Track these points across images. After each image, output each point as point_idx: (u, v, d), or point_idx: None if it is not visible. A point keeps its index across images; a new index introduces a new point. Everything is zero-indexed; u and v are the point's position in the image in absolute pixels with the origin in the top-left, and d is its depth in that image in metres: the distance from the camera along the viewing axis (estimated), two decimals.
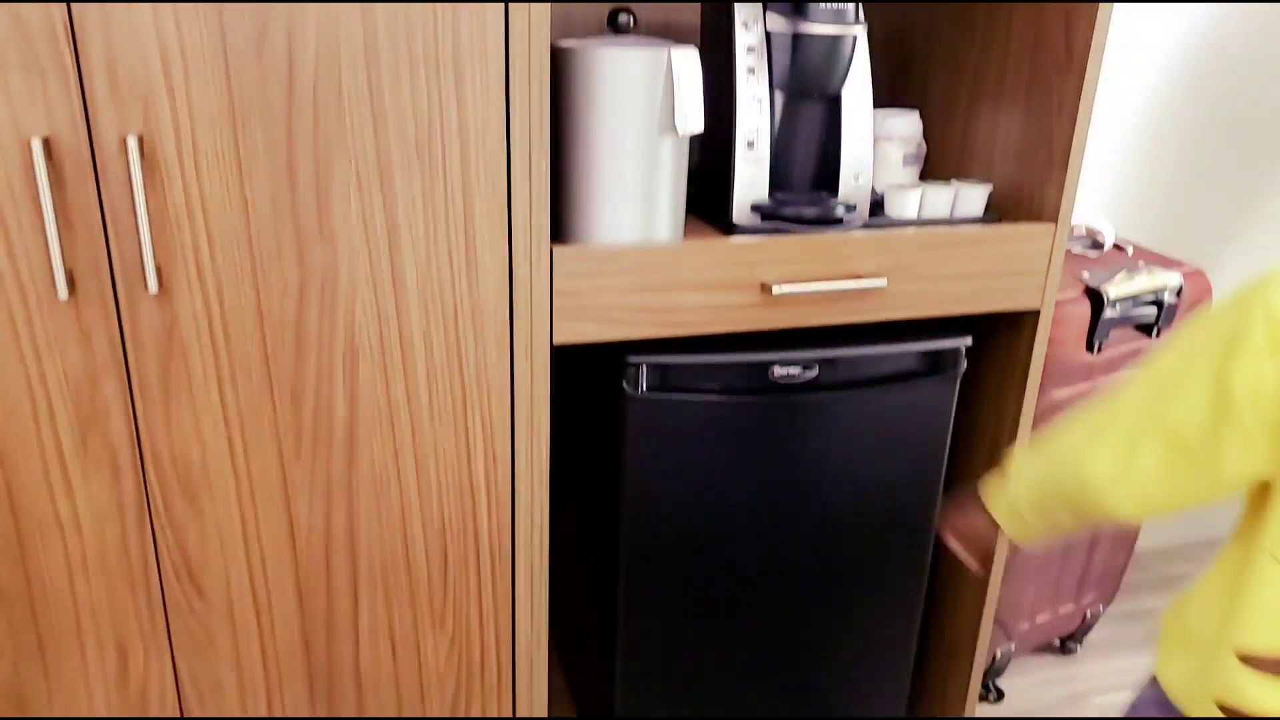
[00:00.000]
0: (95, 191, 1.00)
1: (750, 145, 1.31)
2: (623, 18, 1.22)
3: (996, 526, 1.06)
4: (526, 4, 1.05)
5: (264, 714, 1.28)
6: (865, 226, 1.35)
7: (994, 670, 1.99)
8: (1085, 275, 1.68)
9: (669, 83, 1.16)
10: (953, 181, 1.43)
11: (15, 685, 1.18)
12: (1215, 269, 2.10)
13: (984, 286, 1.37)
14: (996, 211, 1.45)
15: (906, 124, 1.48)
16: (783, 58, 1.29)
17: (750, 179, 1.32)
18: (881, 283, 1.29)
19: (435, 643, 1.31)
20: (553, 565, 1.36)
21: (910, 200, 1.38)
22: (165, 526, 1.16)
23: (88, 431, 1.09)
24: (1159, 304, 1.71)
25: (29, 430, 1.07)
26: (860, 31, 1.30)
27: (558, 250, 1.16)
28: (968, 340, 1.41)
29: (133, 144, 0.98)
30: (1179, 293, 1.71)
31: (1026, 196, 1.41)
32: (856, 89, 1.34)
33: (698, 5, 1.56)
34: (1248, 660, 0.83)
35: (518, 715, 1.39)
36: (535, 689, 1.38)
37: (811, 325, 1.31)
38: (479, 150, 1.09)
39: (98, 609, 1.17)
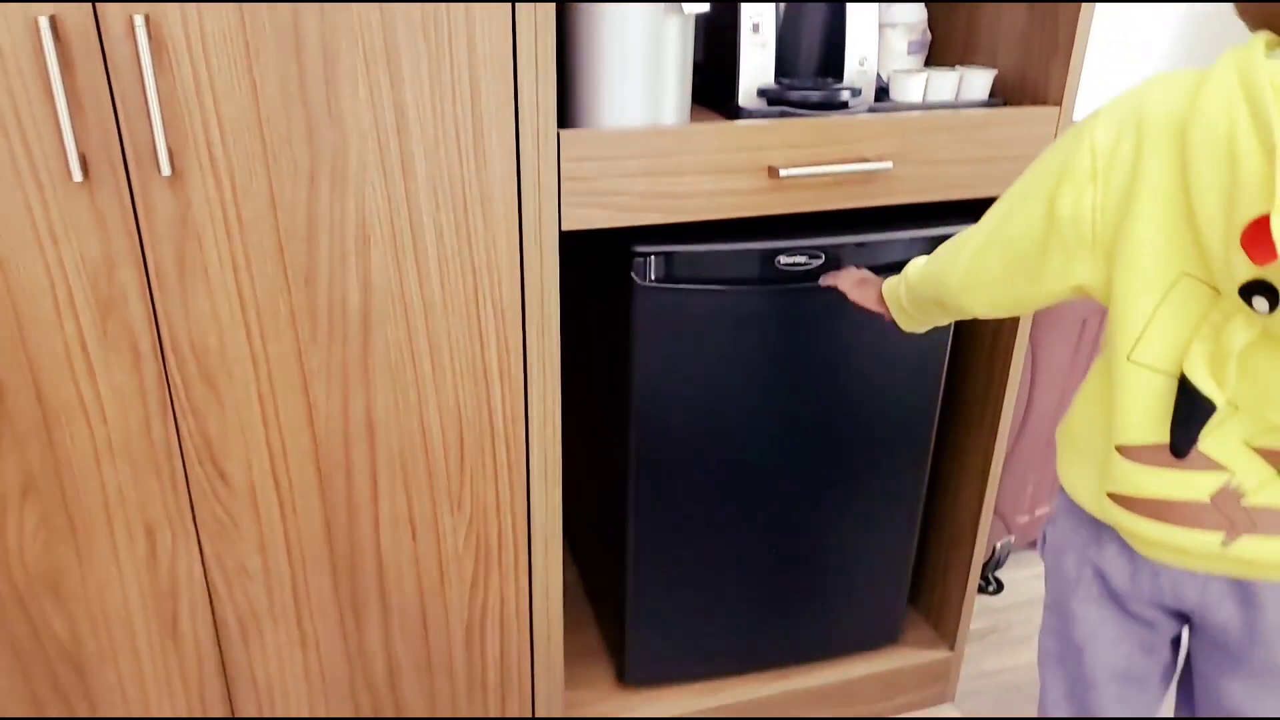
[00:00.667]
0: (104, 73, 1.00)
1: (756, 29, 1.30)
2: None
3: (884, 306, 1.26)
4: None
5: (289, 596, 1.33)
6: (871, 111, 1.35)
7: (994, 563, 2.04)
8: None
9: None
10: (957, 67, 1.43)
11: (50, 568, 1.22)
12: None
13: (989, 170, 1.37)
14: (1001, 96, 1.45)
15: (911, 10, 1.47)
16: None
17: (756, 64, 1.31)
18: (887, 165, 1.30)
19: (453, 525, 1.35)
20: (563, 459, 1.39)
21: (915, 85, 1.38)
22: (186, 412, 1.19)
23: (107, 317, 1.11)
24: None
25: (50, 315, 1.09)
26: None
27: (564, 134, 1.17)
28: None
29: (139, 23, 0.98)
30: None
31: (1031, 81, 1.41)
32: None
33: None
34: (1125, 452, 0.93)
35: (534, 597, 1.44)
36: (550, 570, 1.43)
37: (818, 210, 1.32)
38: (485, 30, 1.09)
39: (125, 493, 1.21)
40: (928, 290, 1.14)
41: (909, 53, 1.48)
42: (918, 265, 1.18)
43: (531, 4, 1.09)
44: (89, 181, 1.04)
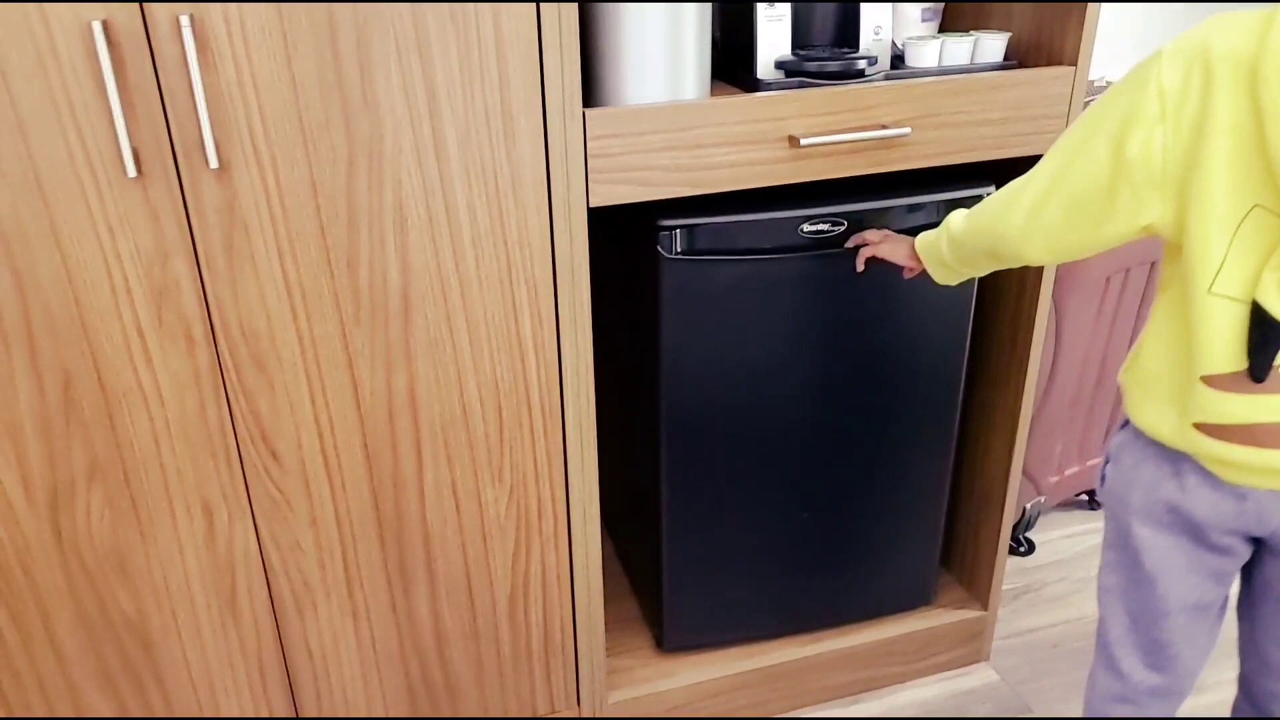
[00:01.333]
0: (153, 72, 1.05)
1: (771, 3, 1.33)
2: None
3: (916, 261, 1.31)
4: None
5: (340, 569, 1.39)
6: (887, 79, 1.38)
7: (1024, 524, 2.07)
8: None
9: None
10: (971, 32, 1.45)
11: (115, 548, 1.28)
12: None
13: (1006, 132, 1.40)
14: (1016, 59, 1.47)
15: None
16: None
17: (773, 37, 1.35)
18: (906, 131, 1.33)
19: (495, 496, 1.40)
20: (596, 431, 1.44)
21: (930, 51, 1.40)
22: (239, 394, 1.24)
23: (162, 305, 1.17)
24: None
25: (108, 305, 1.15)
26: None
27: (590, 113, 1.21)
28: (991, 188, 1.45)
29: (185, 23, 1.03)
30: None
31: (1045, 42, 1.43)
32: None
33: None
34: (1211, 382, 0.96)
35: (574, 564, 1.49)
36: (589, 537, 1.48)
37: (839, 177, 1.35)
38: (511, 14, 1.13)
39: (183, 474, 1.27)
40: (979, 242, 1.16)
41: (923, 20, 1.51)
42: (961, 219, 1.21)
43: None
44: (142, 176, 1.09)
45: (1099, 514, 2.21)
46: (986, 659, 1.82)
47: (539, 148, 1.21)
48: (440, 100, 1.15)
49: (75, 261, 1.12)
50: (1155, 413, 1.06)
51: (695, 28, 1.25)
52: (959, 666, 1.82)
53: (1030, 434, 1.89)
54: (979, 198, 1.45)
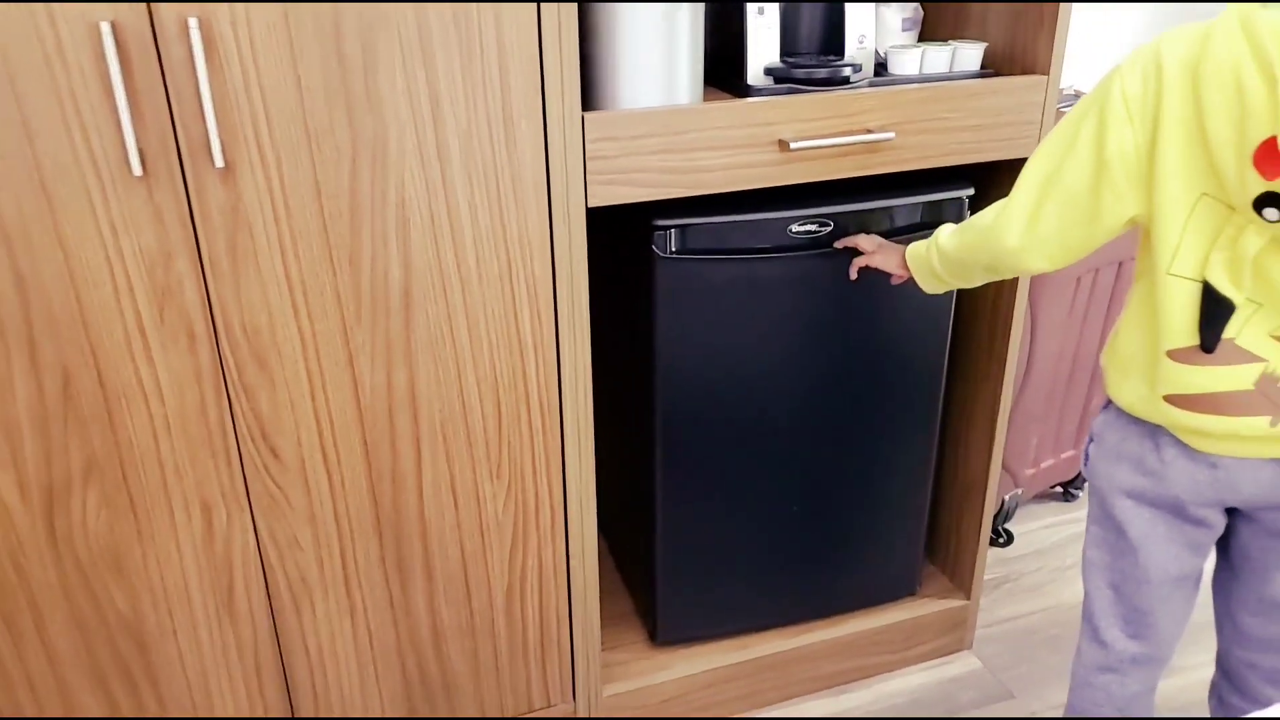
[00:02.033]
0: (159, 72, 1.07)
1: (761, 12, 1.37)
2: None
3: (906, 270, 1.37)
4: None
5: (338, 565, 1.40)
6: (871, 85, 1.42)
7: (1003, 515, 2.12)
8: None
9: None
10: (950, 42, 1.50)
11: (111, 545, 1.29)
12: None
13: (984, 137, 1.45)
14: (992, 67, 1.52)
15: None
16: None
17: (762, 44, 1.38)
18: (890, 136, 1.37)
19: (493, 492, 1.42)
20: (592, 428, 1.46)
21: (911, 59, 1.45)
22: (239, 391, 1.25)
23: (164, 304, 1.18)
24: None
25: (110, 304, 1.16)
26: None
27: (588, 116, 1.24)
28: (970, 190, 1.50)
29: (193, 24, 1.04)
30: None
31: (1020, 52, 1.48)
32: None
33: None
34: (1174, 355, 1.07)
35: (570, 559, 1.51)
36: (586, 533, 1.50)
37: (826, 180, 1.39)
38: (512, 20, 1.16)
39: (182, 471, 1.28)
40: (975, 258, 1.22)
41: (904, 29, 1.55)
42: (950, 236, 1.27)
43: None
44: (146, 176, 1.11)
45: (1074, 505, 2.28)
46: (969, 647, 1.87)
47: (539, 150, 1.23)
48: (443, 103, 1.17)
49: (78, 260, 1.12)
50: (1131, 389, 1.14)
51: (689, 35, 1.28)
52: (943, 655, 1.86)
53: (1009, 428, 1.94)
54: (959, 200, 1.50)
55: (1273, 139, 0.90)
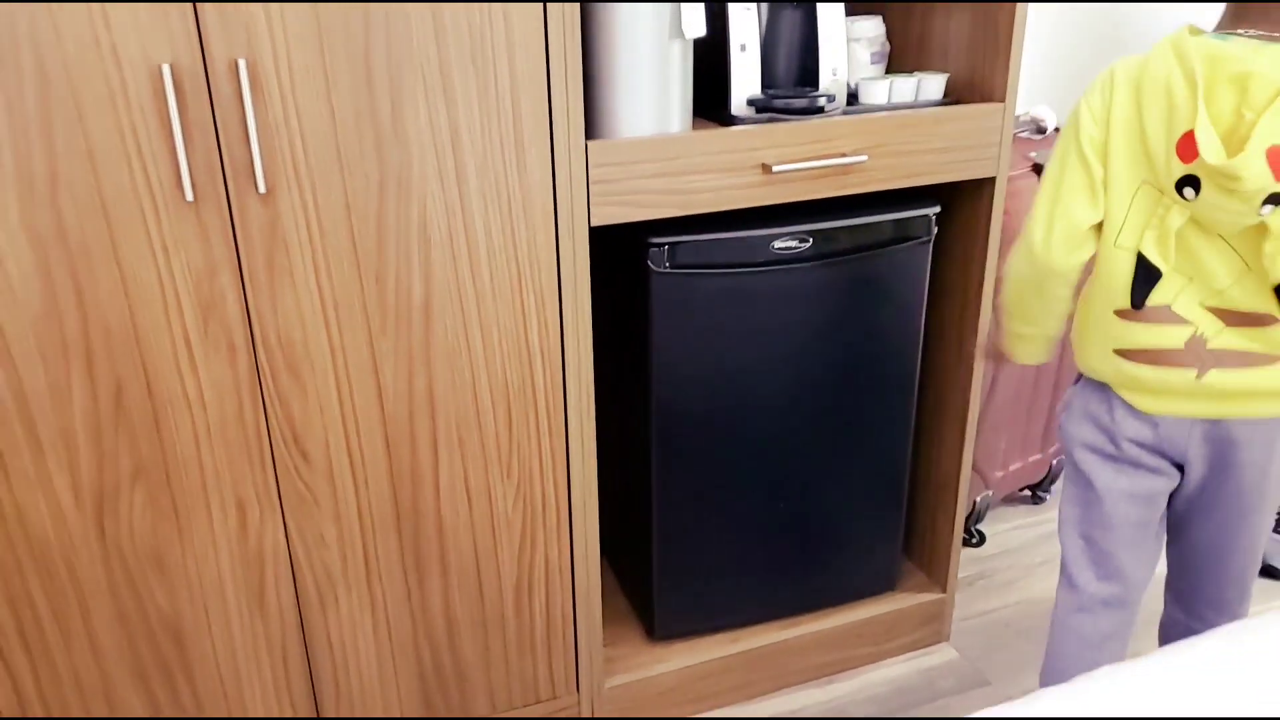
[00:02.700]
0: (209, 108, 1.19)
1: (743, 48, 1.52)
2: None
3: (1005, 356, 1.55)
4: None
5: (360, 562, 1.50)
6: (844, 114, 1.57)
7: (975, 516, 2.25)
8: (1033, 155, 1.91)
9: None
10: (915, 73, 1.65)
11: (155, 546, 1.39)
12: None
13: (948, 159, 1.59)
14: (954, 96, 1.67)
15: (872, 26, 1.69)
16: None
17: (744, 78, 1.53)
18: (863, 159, 1.52)
19: (504, 491, 1.53)
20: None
21: (880, 89, 1.60)
22: (274, 398, 1.37)
23: (208, 318, 1.30)
24: None
25: (160, 320, 1.27)
26: None
27: (592, 144, 1.37)
28: (937, 208, 1.64)
29: (242, 66, 1.17)
30: None
31: (979, 81, 1.64)
32: None
33: None
34: (1121, 315, 1.32)
35: (574, 556, 1.63)
36: (589, 530, 1.62)
37: (806, 200, 1.53)
38: (524, 58, 1.29)
39: (220, 474, 1.38)
40: (1024, 293, 1.42)
41: (873, 62, 1.70)
42: (1004, 295, 1.47)
43: (561, 35, 1.30)
44: (196, 200, 1.23)
45: (1043, 507, 2.41)
46: (947, 639, 1.99)
47: (546, 174, 1.37)
48: (461, 132, 1.30)
49: (132, 278, 1.24)
50: (1089, 350, 1.38)
51: (679, 70, 1.43)
52: (923, 646, 1.98)
53: (978, 432, 2.07)
54: (926, 217, 1.64)
55: (1190, 131, 1.16)
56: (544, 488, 1.56)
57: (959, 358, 1.80)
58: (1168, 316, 1.28)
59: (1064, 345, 2.16)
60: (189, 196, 1.21)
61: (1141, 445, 1.36)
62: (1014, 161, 1.88)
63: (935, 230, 1.66)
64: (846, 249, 1.61)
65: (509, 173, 1.35)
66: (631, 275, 1.57)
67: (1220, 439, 1.31)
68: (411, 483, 1.49)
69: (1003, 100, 1.60)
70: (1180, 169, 1.18)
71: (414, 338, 1.39)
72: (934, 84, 1.63)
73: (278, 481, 1.42)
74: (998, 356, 1.57)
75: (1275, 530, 2.22)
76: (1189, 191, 1.19)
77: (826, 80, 1.59)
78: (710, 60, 1.55)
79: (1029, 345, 1.49)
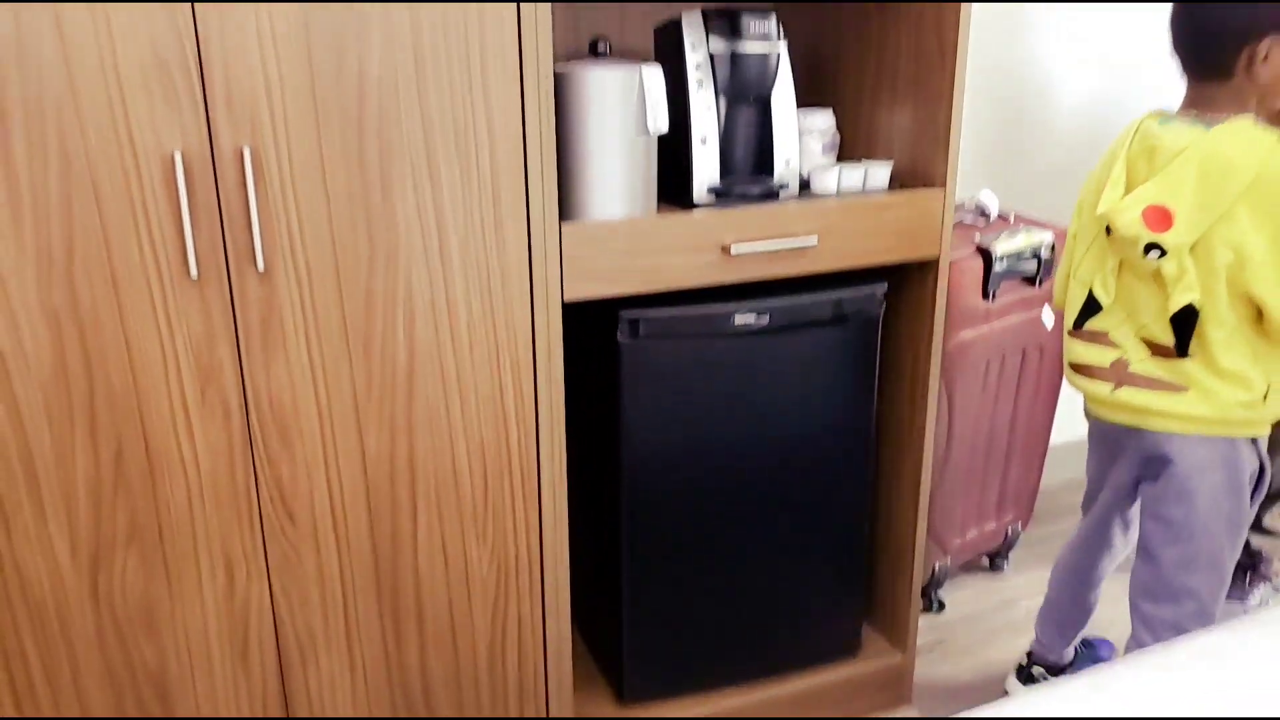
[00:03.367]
0: (215, 191, 1.31)
1: (703, 141, 1.66)
2: (601, 45, 1.57)
3: None
4: (535, 41, 1.39)
5: (341, 621, 1.57)
6: (798, 199, 1.71)
7: (934, 583, 2.34)
8: (977, 238, 2.06)
9: (641, 93, 1.51)
10: (863, 161, 1.80)
11: (146, 605, 1.45)
12: None
13: (894, 242, 1.73)
14: (899, 182, 1.82)
15: (823, 119, 1.85)
16: (724, 71, 1.65)
17: (705, 167, 1.67)
18: (814, 241, 1.65)
19: (479, 552, 1.61)
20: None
21: (831, 177, 1.74)
22: (264, 461, 1.45)
23: (206, 386, 1.39)
24: (1038, 258, 2.10)
25: (161, 388, 1.37)
26: (782, 47, 1.66)
27: (565, 226, 1.50)
28: (884, 286, 1.78)
29: (247, 153, 1.29)
30: (1052, 248, 2.11)
31: (921, 169, 1.79)
32: (782, 93, 1.71)
33: (652, 32, 1.92)
34: (1071, 335, 1.67)
35: (546, 616, 1.70)
36: (560, 590, 1.69)
37: (761, 278, 1.66)
38: (504, 149, 1.43)
39: (211, 535, 1.46)
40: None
41: (824, 152, 1.85)
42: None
43: (538, 128, 1.43)
44: (200, 277, 1.33)
45: (1000, 575, 2.50)
46: (909, 701, 2.06)
47: (523, 253, 1.48)
48: (446, 214, 1.43)
49: (137, 347, 1.34)
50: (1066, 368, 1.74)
51: (645, 160, 1.56)
52: (886, 709, 2.04)
53: (934, 500, 2.18)
54: (874, 295, 1.78)
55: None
56: (518, 549, 1.64)
57: (911, 427, 1.91)
58: (1102, 340, 1.59)
59: (1014, 420, 2.28)
60: (193, 274, 1.31)
61: (1091, 436, 1.76)
62: (960, 244, 2.02)
63: (884, 307, 1.79)
64: (802, 324, 1.73)
65: (489, 251, 1.47)
66: (602, 346, 1.68)
67: (1146, 447, 1.60)
68: (391, 544, 1.56)
69: (944, 186, 1.75)
70: (1103, 219, 1.50)
71: (397, 404, 1.49)
72: (880, 172, 1.78)
73: (265, 542, 1.49)
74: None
75: None
76: (1112, 235, 1.50)
77: (781, 169, 1.73)
78: (674, 150, 1.69)
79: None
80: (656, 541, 1.79)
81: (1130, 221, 1.40)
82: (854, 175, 1.76)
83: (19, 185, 1.23)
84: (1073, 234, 1.67)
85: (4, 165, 1.21)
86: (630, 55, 1.94)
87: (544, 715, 1.77)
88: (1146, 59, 2.44)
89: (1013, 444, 2.33)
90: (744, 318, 1.69)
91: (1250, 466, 1.56)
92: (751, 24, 1.61)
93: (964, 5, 1.63)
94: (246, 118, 1.30)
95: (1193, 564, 1.58)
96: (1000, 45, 2.42)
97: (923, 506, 1.95)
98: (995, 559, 2.51)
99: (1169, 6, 1.51)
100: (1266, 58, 1.38)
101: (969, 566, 2.52)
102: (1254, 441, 1.55)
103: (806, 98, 1.99)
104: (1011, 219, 2.23)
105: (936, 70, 1.70)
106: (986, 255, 2.03)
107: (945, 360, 2.05)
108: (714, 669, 1.93)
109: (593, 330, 1.71)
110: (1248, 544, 2.33)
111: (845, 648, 2.03)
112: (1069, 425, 2.43)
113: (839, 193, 1.75)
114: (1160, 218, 1.35)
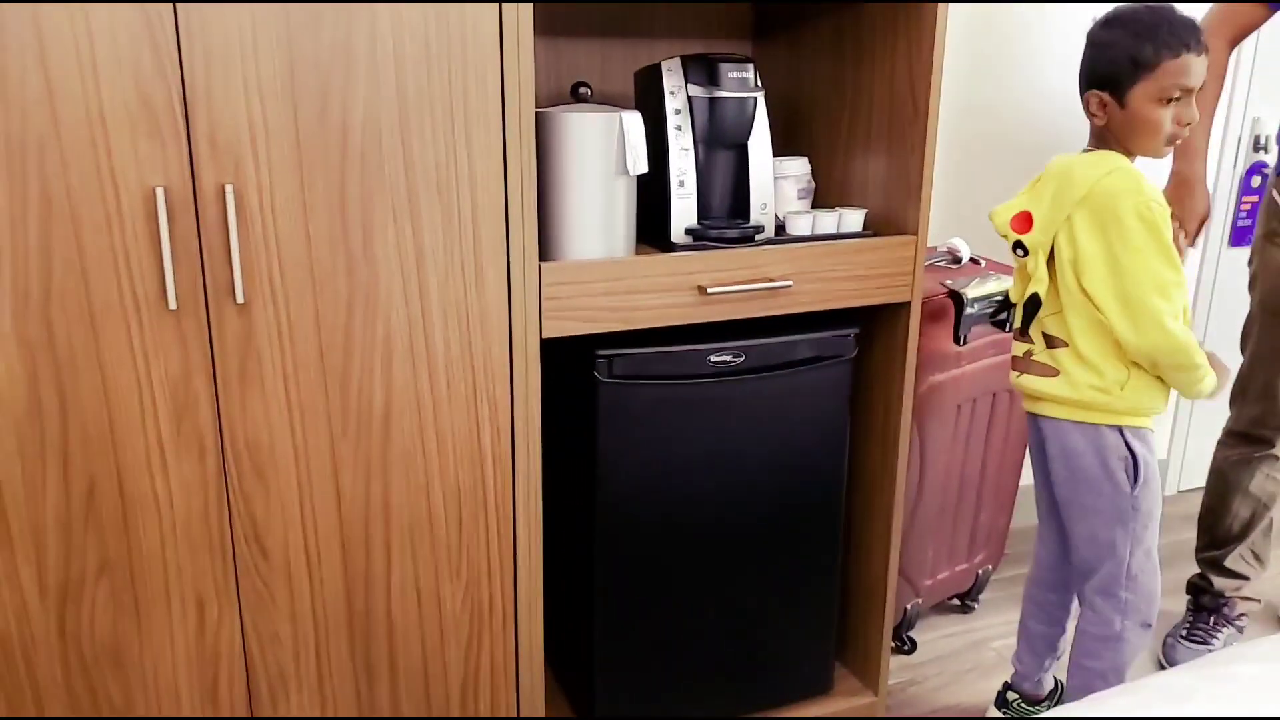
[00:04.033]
0: (195, 227, 1.32)
1: (681, 184, 1.69)
2: (582, 89, 1.60)
3: None
4: (518, 85, 1.42)
5: (313, 661, 1.56)
6: (773, 243, 1.74)
7: (905, 624, 2.35)
8: (948, 282, 2.10)
9: (621, 137, 1.54)
10: (837, 208, 1.84)
11: (114, 642, 1.44)
12: None
13: (866, 285, 1.76)
14: (872, 228, 1.86)
15: (798, 166, 1.89)
16: (702, 117, 1.68)
17: (683, 210, 1.70)
18: (789, 283, 1.68)
19: (452, 591, 1.61)
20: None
21: (805, 222, 1.78)
22: (239, 498, 1.45)
23: (182, 421, 1.38)
24: (1007, 302, 2.14)
25: (136, 423, 1.36)
26: (760, 95, 1.70)
27: (544, 266, 1.51)
28: (856, 329, 1.81)
29: (229, 191, 1.30)
30: None
31: (894, 216, 1.83)
32: (759, 139, 1.74)
33: (632, 76, 1.95)
34: (1014, 336, 1.83)
35: (519, 658, 1.69)
36: (534, 630, 1.68)
37: (736, 319, 1.68)
38: (484, 191, 1.44)
39: (183, 571, 1.45)
40: None
41: (799, 197, 1.89)
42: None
43: (519, 170, 1.45)
44: (179, 310, 1.33)
45: (971, 616, 2.51)
46: None
47: (502, 293, 1.50)
48: (425, 254, 1.44)
49: (113, 382, 1.33)
50: None
51: (624, 202, 1.59)
52: None
53: (906, 541, 2.19)
54: (847, 337, 1.80)
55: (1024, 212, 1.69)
56: (491, 589, 1.63)
57: (883, 468, 1.94)
58: (1022, 336, 1.78)
59: (984, 462, 2.31)
60: (172, 305, 1.31)
61: (1036, 435, 1.84)
62: (931, 288, 2.06)
63: (856, 349, 1.82)
64: (776, 364, 1.75)
65: (469, 291, 1.48)
66: (579, 384, 1.69)
67: (1041, 433, 1.78)
68: (365, 583, 1.55)
69: (915, 233, 1.79)
70: (1014, 236, 1.71)
71: (373, 443, 1.49)
72: (854, 218, 1.82)
73: (237, 578, 1.48)
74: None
75: (1187, 637, 2.35)
76: (1019, 250, 1.73)
77: (756, 213, 1.77)
78: (653, 193, 1.72)
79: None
80: (630, 579, 1.79)
81: (1003, 224, 1.71)
82: (828, 220, 1.79)
83: None
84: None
85: None
86: (611, 98, 1.98)
87: None
88: None
89: (983, 486, 2.36)
90: (720, 357, 1.71)
91: (1119, 453, 1.69)
92: (729, 72, 1.65)
93: (936, 58, 1.67)
94: (230, 156, 1.31)
95: (1094, 542, 1.76)
96: (970, 89, 2.48)
97: (894, 546, 1.96)
98: (966, 600, 2.53)
99: None
100: (1104, 106, 1.63)
101: (940, 607, 2.53)
102: (1120, 430, 1.69)
103: (783, 145, 2.03)
104: (982, 264, 2.27)
105: (910, 122, 1.74)
106: (958, 300, 2.06)
107: (917, 402, 2.07)
108: (686, 707, 1.92)
109: (569, 368, 1.72)
110: (1210, 585, 2.36)
111: (817, 687, 2.03)
112: None
113: (814, 236, 1.78)
114: (1024, 221, 1.67)
